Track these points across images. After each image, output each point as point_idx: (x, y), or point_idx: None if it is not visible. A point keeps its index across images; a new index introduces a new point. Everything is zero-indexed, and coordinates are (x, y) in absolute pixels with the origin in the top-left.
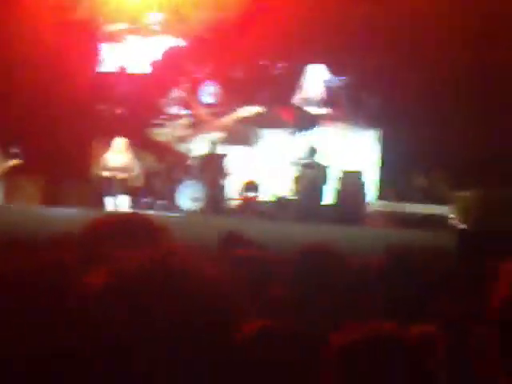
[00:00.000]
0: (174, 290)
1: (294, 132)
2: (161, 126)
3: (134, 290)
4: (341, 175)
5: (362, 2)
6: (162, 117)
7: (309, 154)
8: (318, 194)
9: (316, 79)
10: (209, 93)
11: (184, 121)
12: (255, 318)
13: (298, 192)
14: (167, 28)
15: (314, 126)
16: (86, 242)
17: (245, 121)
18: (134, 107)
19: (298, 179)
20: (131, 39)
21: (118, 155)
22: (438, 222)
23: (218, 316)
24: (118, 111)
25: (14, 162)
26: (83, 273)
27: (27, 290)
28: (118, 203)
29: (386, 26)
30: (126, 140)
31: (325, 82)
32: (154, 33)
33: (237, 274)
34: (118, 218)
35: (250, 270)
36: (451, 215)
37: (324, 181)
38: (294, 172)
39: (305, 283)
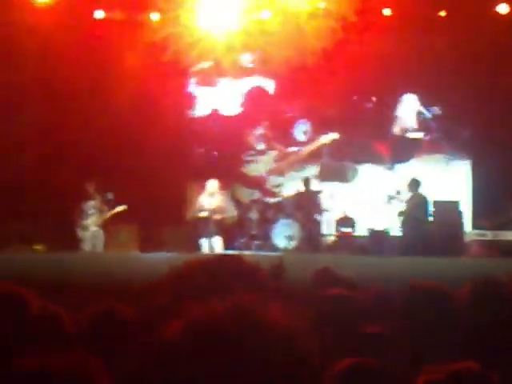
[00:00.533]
0: (245, 345)
1: (391, 166)
2: (251, 162)
3: (205, 344)
4: (435, 205)
5: (450, 32)
6: (251, 152)
7: (412, 187)
8: (419, 226)
9: (410, 110)
10: (302, 131)
11: (272, 155)
12: (346, 357)
13: (401, 226)
14: (257, 68)
15: (409, 158)
16: (177, 285)
17: (335, 155)
18: (225, 147)
19: (401, 213)
20: (223, 81)
21: (211, 197)
22: None
23: (291, 369)
24: (211, 153)
25: (116, 210)
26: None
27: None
28: (214, 245)
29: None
30: (219, 181)
31: (418, 112)
32: (245, 74)
33: (326, 313)
34: (208, 260)
35: (340, 309)
36: None
37: (425, 212)
38: (397, 206)
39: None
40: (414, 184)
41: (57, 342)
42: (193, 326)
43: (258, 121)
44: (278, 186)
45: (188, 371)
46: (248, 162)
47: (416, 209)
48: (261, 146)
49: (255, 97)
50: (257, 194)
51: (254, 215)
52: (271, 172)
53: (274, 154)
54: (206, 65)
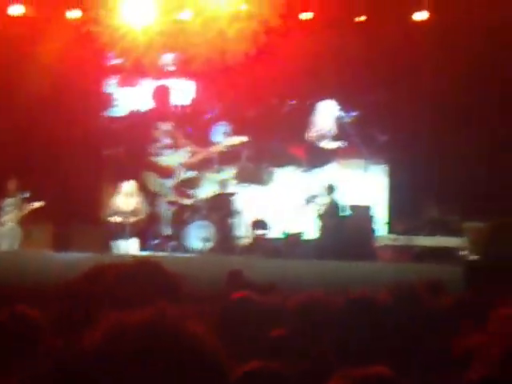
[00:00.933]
0: (164, 354)
1: (307, 170)
2: (161, 154)
3: (125, 353)
4: (350, 210)
5: (369, 37)
6: (159, 145)
7: (327, 192)
8: (333, 230)
9: (327, 115)
10: (221, 132)
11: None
12: (254, 360)
13: (316, 229)
14: (178, 69)
15: (326, 162)
16: (88, 289)
17: (252, 157)
18: (135, 144)
19: (316, 217)
20: (144, 82)
21: (128, 198)
22: (449, 254)
23: (202, 376)
24: (122, 153)
25: (32, 206)
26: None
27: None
28: (129, 246)
29: (394, 62)
30: (135, 182)
31: (336, 117)
32: (166, 74)
33: (233, 317)
34: (129, 263)
35: (247, 313)
36: (462, 247)
37: (338, 216)
38: (312, 210)
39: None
40: (330, 189)
41: None
42: (109, 337)
43: (163, 117)
44: (194, 187)
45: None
46: (157, 154)
47: (329, 213)
48: (167, 141)
49: (159, 94)
50: (172, 196)
51: (168, 216)
52: (183, 165)
53: (184, 150)
54: (125, 64)
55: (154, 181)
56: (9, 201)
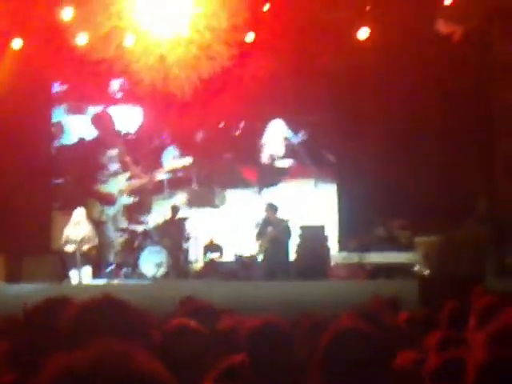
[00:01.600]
0: None
1: (259, 191)
2: (105, 181)
3: None
4: (301, 230)
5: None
6: (105, 173)
7: (270, 211)
8: (282, 251)
9: (276, 136)
10: (170, 156)
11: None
12: None
13: (262, 250)
14: (125, 95)
15: (277, 182)
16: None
17: (203, 181)
18: (83, 171)
19: (259, 237)
20: (92, 109)
21: (77, 226)
22: (401, 269)
23: None
24: (70, 180)
25: None
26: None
27: None
28: (82, 275)
29: (339, 82)
30: (84, 210)
31: (285, 138)
32: (113, 101)
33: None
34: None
35: (185, 340)
36: (413, 262)
37: (287, 237)
38: (256, 230)
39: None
40: (270, 208)
41: None
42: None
43: (110, 144)
44: (144, 213)
45: None
46: (102, 181)
47: (274, 233)
48: (114, 167)
49: (102, 120)
50: (124, 223)
51: (120, 243)
52: (123, 191)
53: (126, 174)
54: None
55: (97, 208)
56: None
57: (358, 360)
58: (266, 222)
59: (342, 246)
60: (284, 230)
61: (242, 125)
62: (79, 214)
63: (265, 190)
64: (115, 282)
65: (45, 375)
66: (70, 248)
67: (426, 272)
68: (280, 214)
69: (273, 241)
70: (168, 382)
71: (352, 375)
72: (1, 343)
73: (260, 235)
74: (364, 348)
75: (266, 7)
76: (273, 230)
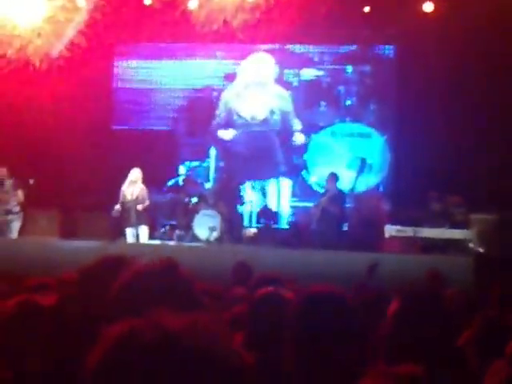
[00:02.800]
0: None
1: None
2: None
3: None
4: (356, 198)
5: None
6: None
7: (331, 180)
8: (334, 221)
9: None
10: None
11: None
12: None
13: (314, 218)
14: None
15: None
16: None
17: None
18: None
19: (314, 205)
20: None
21: (133, 186)
22: (456, 246)
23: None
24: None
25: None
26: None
27: None
28: (139, 234)
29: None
30: (140, 170)
31: None
32: None
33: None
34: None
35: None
36: (468, 239)
37: (339, 205)
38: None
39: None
40: (332, 177)
41: None
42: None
43: None
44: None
45: None
46: None
47: (332, 202)
48: None
49: None
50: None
51: (175, 204)
52: None
53: None
54: None
55: None
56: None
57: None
58: (324, 192)
59: (396, 219)
60: (336, 198)
61: None
62: (135, 173)
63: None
64: (169, 243)
65: (106, 342)
66: (125, 206)
67: (481, 250)
68: (339, 184)
69: (325, 210)
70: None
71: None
72: (49, 298)
73: (316, 206)
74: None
75: None
76: (325, 199)
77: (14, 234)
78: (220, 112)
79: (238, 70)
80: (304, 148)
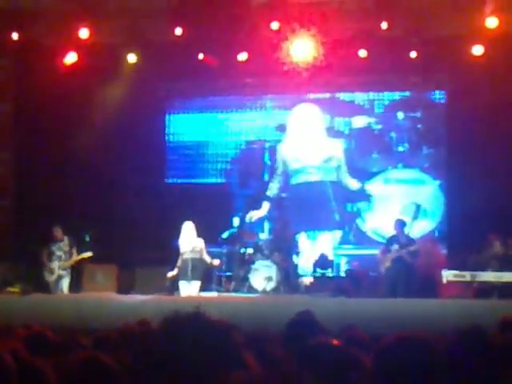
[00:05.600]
0: None
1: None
2: None
3: None
4: (415, 246)
5: None
6: None
7: (398, 227)
8: (406, 272)
9: None
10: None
11: None
12: None
13: (384, 267)
14: None
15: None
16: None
17: None
18: None
19: (383, 254)
20: None
21: (188, 238)
22: None
23: None
24: None
25: (86, 254)
26: None
27: None
28: (192, 288)
29: None
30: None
31: None
32: None
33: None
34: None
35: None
36: None
37: (414, 259)
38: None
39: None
40: (399, 224)
41: None
42: None
43: None
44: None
45: None
46: None
47: (410, 252)
48: None
49: None
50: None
51: (231, 256)
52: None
53: None
54: None
55: None
56: (59, 246)
57: None
58: (392, 239)
59: (453, 263)
60: (412, 253)
61: None
62: (189, 226)
63: None
64: (224, 295)
65: None
66: (183, 258)
67: None
68: (407, 230)
69: (398, 260)
70: None
71: None
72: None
73: (384, 252)
74: None
75: None
76: (398, 250)
77: (64, 291)
78: (277, 164)
79: (288, 122)
80: (357, 195)
